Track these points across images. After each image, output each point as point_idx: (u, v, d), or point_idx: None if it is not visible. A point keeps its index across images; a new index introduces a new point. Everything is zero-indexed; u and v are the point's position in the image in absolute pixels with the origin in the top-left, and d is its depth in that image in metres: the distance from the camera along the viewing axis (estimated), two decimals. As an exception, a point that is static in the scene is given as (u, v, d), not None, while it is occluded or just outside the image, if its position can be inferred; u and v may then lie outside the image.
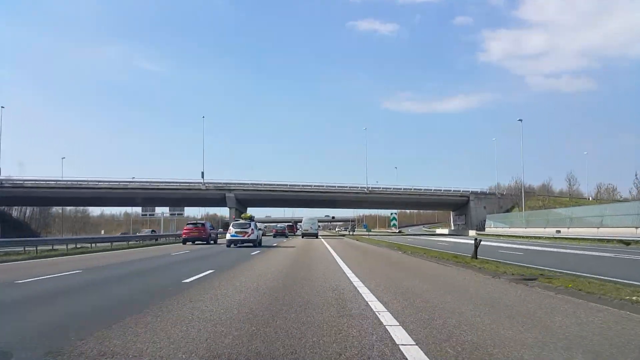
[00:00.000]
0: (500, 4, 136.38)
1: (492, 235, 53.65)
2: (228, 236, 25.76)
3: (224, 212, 74.18)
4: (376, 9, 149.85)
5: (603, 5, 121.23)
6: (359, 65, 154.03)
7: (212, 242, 31.10)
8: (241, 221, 27.51)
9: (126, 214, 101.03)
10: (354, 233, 72.89)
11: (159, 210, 79.51)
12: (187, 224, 33.61)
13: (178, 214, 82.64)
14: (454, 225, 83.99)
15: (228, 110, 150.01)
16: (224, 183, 64.72)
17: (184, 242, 29.81)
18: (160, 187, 60.91)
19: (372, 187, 69.18)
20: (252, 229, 25.37)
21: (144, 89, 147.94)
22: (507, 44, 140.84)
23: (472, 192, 72.99)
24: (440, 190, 72.14)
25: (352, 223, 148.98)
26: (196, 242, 30.07)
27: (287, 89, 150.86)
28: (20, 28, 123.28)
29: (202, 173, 62.80)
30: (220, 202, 65.10)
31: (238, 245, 24.87)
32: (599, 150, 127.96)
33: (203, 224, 32.01)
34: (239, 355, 3.65)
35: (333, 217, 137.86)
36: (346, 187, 68.98)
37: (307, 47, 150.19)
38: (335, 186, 68.41)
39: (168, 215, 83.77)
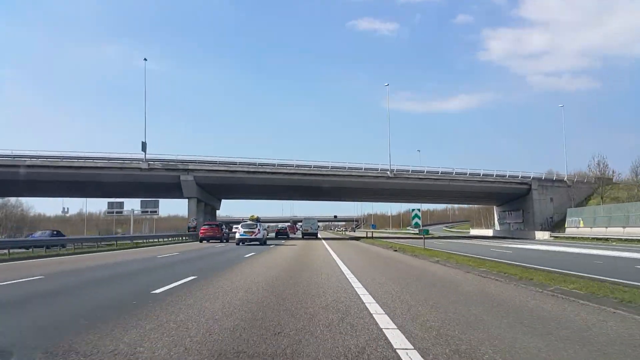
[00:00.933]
0: (501, 3, 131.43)
1: (604, 239, 32.52)
2: (237, 235, 28.80)
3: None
4: (376, 9, 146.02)
5: (604, 5, 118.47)
6: (359, 65, 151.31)
7: (225, 240, 34.57)
8: (249, 222, 30.11)
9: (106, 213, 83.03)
10: (373, 235, 51.20)
11: (128, 206, 64.43)
12: (204, 224, 37.38)
13: (152, 212, 66.39)
14: (500, 224, 62.75)
15: (228, 110, 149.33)
16: (178, 160, 42.52)
17: (201, 240, 33.57)
18: (69, 165, 38.82)
19: (397, 170, 47.13)
20: (258, 229, 28.58)
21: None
22: (507, 43, 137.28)
23: (535, 178, 51.62)
24: (491, 175, 50.34)
25: (356, 223, 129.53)
26: (210, 241, 33.68)
27: (287, 89, 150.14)
28: (20, 28, 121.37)
29: (144, 144, 40.34)
30: (173, 189, 43.11)
31: (246, 243, 27.53)
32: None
33: (217, 225, 36.32)
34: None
35: (335, 217, 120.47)
36: (360, 168, 46.49)
37: (307, 47, 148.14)
38: (345, 167, 46.07)
39: (139, 212, 67.00)
